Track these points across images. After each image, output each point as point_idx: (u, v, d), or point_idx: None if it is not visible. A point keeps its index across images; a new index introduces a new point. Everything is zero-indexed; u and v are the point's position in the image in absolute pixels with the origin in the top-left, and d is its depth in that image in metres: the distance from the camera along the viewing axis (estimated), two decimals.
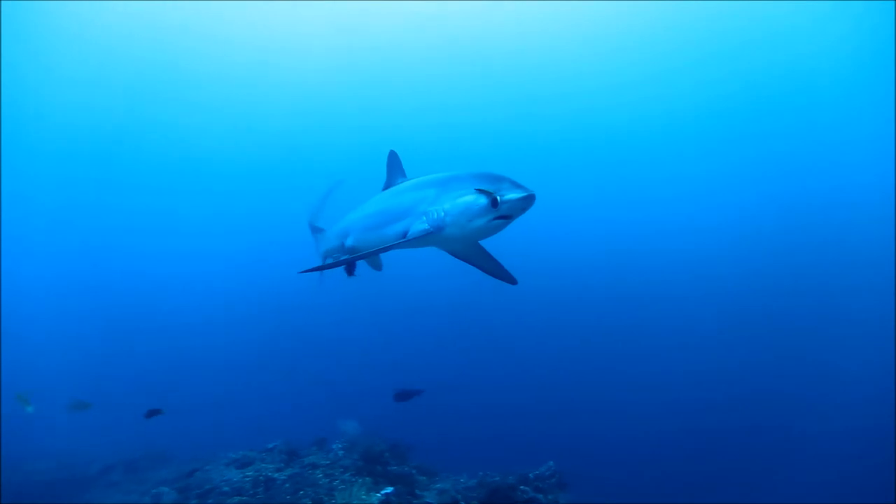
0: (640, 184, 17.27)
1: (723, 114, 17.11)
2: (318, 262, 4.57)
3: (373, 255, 3.78)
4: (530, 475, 5.16)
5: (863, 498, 6.41)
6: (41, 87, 15.43)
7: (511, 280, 3.47)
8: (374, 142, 14.89)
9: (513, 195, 2.91)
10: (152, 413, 5.93)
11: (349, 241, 3.99)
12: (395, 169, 3.96)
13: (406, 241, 3.23)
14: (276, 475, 5.39)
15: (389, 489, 4.73)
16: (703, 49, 14.89)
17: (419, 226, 3.19)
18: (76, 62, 15.04)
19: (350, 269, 4.07)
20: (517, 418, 9.65)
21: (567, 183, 17.55)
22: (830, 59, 13.28)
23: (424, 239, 3.18)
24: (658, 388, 10.19)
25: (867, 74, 13.22)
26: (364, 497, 4.55)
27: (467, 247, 3.37)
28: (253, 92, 17.93)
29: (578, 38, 15.09)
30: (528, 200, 2.92)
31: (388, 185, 3.98)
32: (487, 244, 3.36)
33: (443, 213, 3.06)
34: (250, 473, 5.51)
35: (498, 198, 2.89)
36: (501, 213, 2.95)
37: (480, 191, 2.94)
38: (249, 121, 19.34)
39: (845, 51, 12.99)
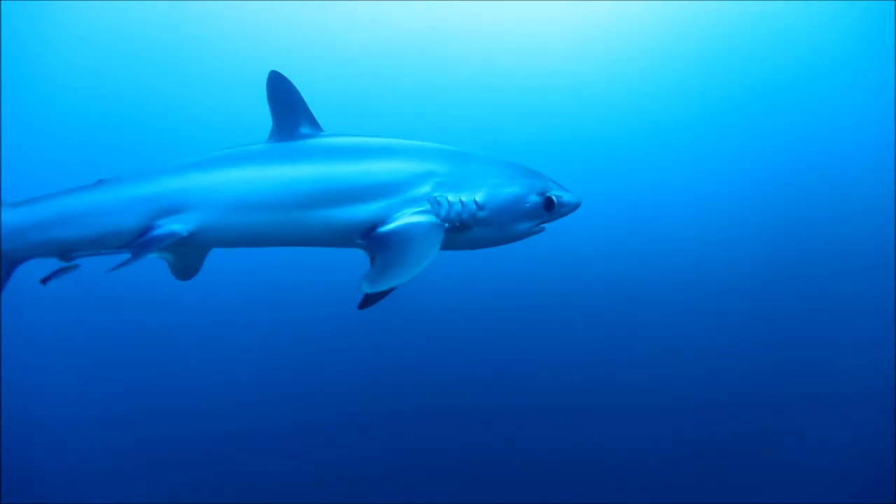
0: (623, 176, 16.54)
1: (711, 102, 16.52)
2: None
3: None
4: None
5: (862, 498, 6.53)
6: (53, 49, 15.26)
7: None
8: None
9: (568, 197, 2.21)
10: None
11: (194, 220, 2.09)
12: (287, 109, 2.26)
13: (389, 241, 1.99)
14: None
15: None
16: (693, 33, 14.58)
17: (419, 217, 2.04)
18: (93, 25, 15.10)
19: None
20: None
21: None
22: (826, 38, 13.71)
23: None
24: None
25: (864, 46, 13.60)
26: None
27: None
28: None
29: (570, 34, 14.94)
30: (577, 207, 2.27)
31: (276, 135, 2.30)
32: None
33: (473, 206, 2.06)
34: None
35: (554, 198, 2.15)
36: (550, 219, 2.22)
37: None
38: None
39: (841, 31, 13.48)
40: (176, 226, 2.09)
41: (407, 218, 2.04)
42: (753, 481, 7.77)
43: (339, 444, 7.74)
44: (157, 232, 2.08)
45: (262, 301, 12.14)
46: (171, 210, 2.11)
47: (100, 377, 10.16)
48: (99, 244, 2.14)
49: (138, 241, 2.08)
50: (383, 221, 2.05)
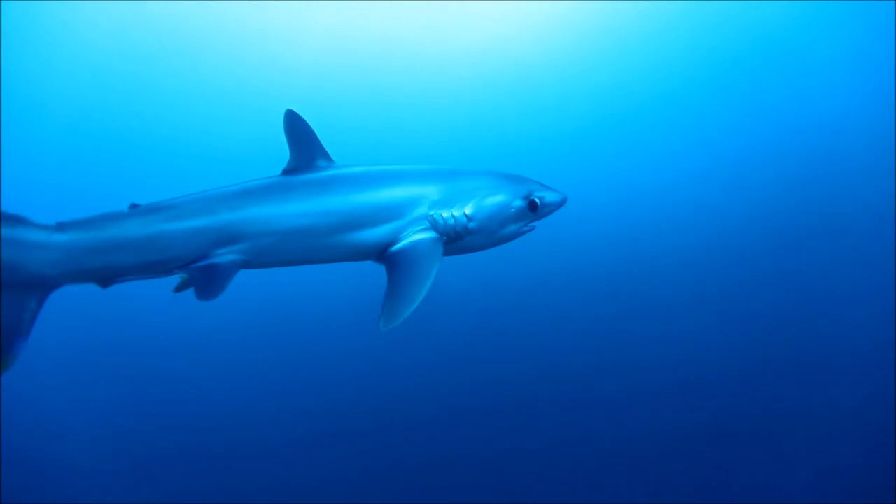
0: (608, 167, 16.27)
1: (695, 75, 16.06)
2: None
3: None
4: None
5: (862, 497, 6.34)
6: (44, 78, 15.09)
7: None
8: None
9: (552, 197, 2.53)
10: None
11: (248, 250, 2.25)
12: (305, 143, 2.50)
13: (397, 262, 2.29)
14: None
15: None
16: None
17: (421, 235, 2.35)
18: (79, 54, 15.00)
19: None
20: None
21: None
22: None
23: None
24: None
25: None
26: None
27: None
28: (255, 86, 17.69)
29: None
30: (562, 204, 2.59)
31: (296, 167, 2.50)
32: None
33: (464, 218, 2.38)
34: None
35: (537, 200, 2.48)
36: (537, 219, 2.53)
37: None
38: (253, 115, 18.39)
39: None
40: (234, 256, 2.26)
41: (412, 237, 2.36)
42: (754, 482, 7.72)
43: (339, 448, 7.73)
44: (218, 261, 2.22)
45: (264, 310, 12.21)
46: (228, 240, 2.26)
47: (100, 383, 10.17)
48: (151, 270, 2.22)
49: (195, 266, 2.20)
50: (394, 241, 2.37)
